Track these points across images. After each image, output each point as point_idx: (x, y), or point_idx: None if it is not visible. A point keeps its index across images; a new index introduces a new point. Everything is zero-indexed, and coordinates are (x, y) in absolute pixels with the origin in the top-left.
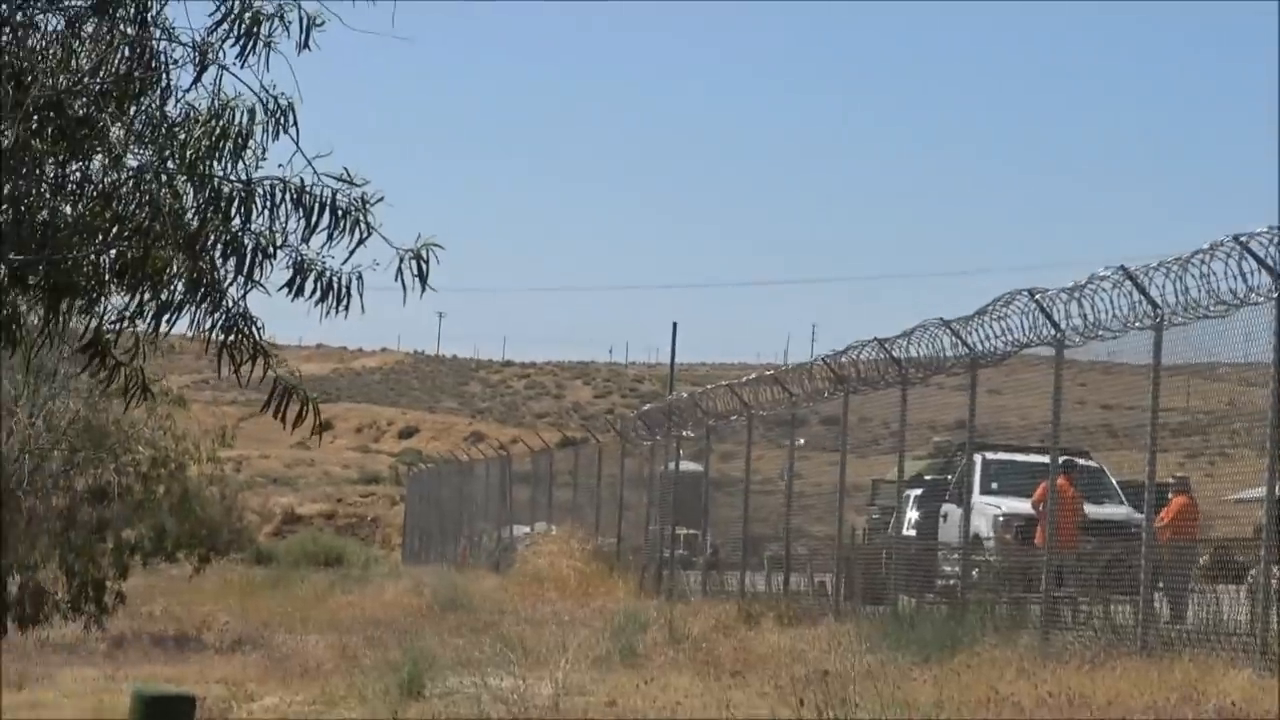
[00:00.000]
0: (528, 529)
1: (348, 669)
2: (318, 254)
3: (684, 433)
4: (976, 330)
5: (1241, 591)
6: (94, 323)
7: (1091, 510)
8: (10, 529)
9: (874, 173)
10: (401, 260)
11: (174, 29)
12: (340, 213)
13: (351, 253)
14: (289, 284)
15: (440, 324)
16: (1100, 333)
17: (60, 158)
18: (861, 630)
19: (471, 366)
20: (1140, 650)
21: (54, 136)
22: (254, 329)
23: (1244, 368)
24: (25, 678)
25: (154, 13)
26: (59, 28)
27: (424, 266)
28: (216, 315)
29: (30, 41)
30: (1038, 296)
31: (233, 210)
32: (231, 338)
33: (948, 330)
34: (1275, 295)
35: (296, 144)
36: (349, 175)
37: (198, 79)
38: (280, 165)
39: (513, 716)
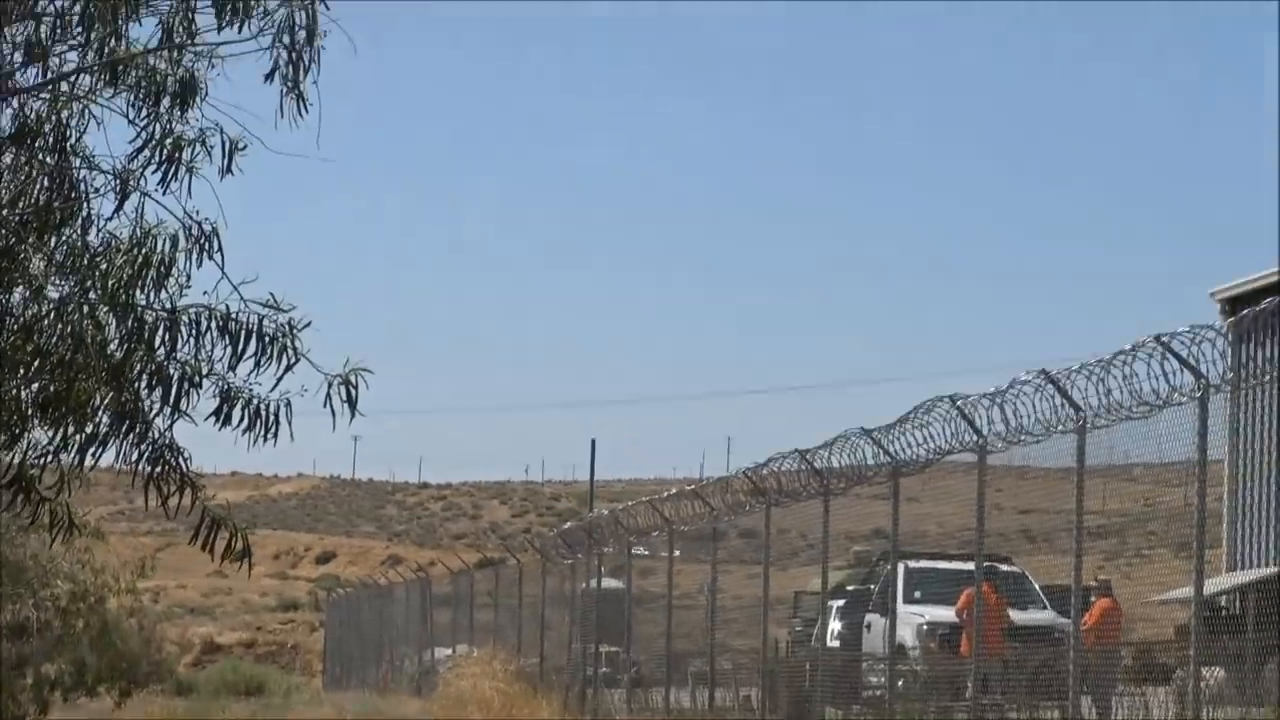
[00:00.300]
0: (449, 651)
1: None
2: (245, 381)
3: (605, 549)
4: (898, 439)
5: (1164, 693)
6: (17, 458)
7: (1017, 616)
8: None
9: (787, 284)
10: (330, 386)
11: (94, 157)
12: (267, 339)
13: (279, 380)
14: (216, 413)
15: (356, 448)
16: (1023, 437)
17: None
18: None
19: (388, 489)
20: None
21: None
22: (181, 460)
23: (1159, 468)
24: None
25: (73, 141)
26: None
27: (353, 392)
28: (143, 447)
29: None
30: (959, 403)
31: (157, 340)
32: (159, 469)
33: (869, 439)
34: (1198, 395)
35: (221, 270)
36: (275, 300)
37: (119, 207)
38: (205, 292)
39: None
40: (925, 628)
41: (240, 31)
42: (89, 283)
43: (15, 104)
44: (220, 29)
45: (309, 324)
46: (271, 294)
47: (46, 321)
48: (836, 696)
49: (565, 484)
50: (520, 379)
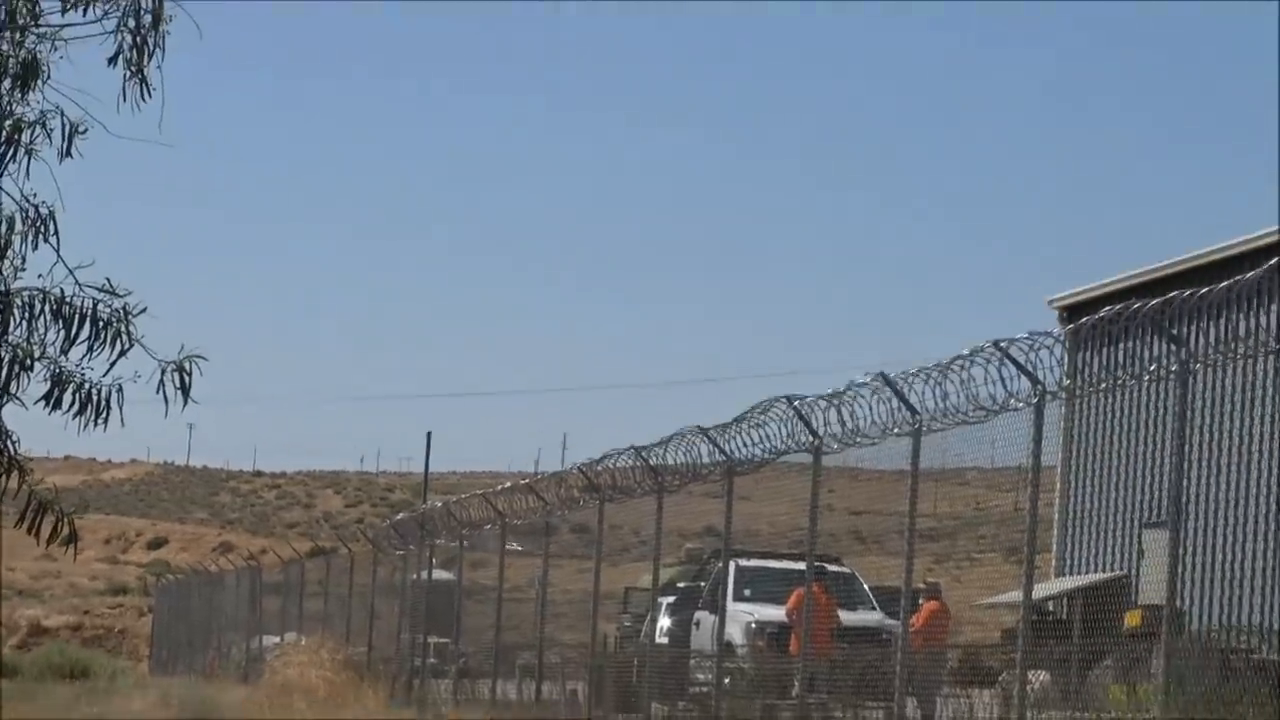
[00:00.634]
0: (277, 639)
1: None
2: (77, 366)
3: (437, 541)
4: (735, 438)
5: (989, 695)
6: None
7: (846, 616)
8: None
9: (627, 282)
10: (164, 372)
11: None
12: (101, 324)
13: (112, 365)
14: (46, 396)
15: (191, 435)
16: (858, 439)
17: None
18: None
19: (222, 477)
20: None
21: None
22: (9, 442)
23: (992, 473)
24: None
25: None
26: None
27: (186, 379)
28: None
29: None
30: (796, 404)
31: None
32: None
33: (705, 438)
34: (1035, 401)
35: (57, 253)
36: (111, 285)
37: None
38: (40, 275)
39: None
40: (754, 626)
41: (85, 14)
42: None
43: None
44: (65, 11)
45: (144, 309)
46: (108, 279)
47: None
48: (664, 692)
49: (400, 475)
50: (357, 370)
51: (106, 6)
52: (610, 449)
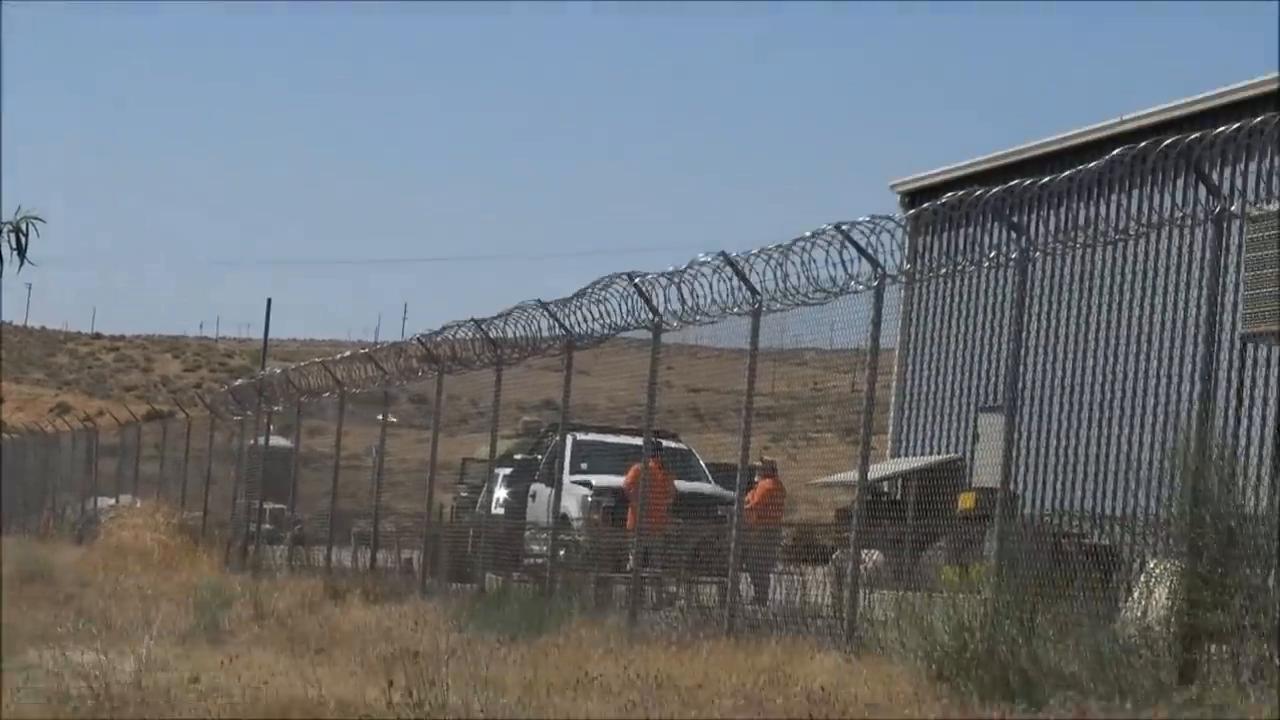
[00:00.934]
0: (112, 501)
1: None
2: None
3: (275, 408)
4: (575, 312)
5: (821, 573)
6: None
7: (682, 485)
8: None
9: (471, 154)
10: (0, 233)
11: None
12: None
13: None
14: None
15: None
16: (699, 317)
17: None
18: (448, 608)
19: (60, 338)
20: (727, 633)
21: None
22: None
23: (830, 354)
24: None
25: None
26: None
27: (23, 240)
28: None
29: None
30: (637, 280)
31: None
32: None
33: (545, 312)
34: (875, 284)
35: None
36: None
37: None
38: None
39: (94, 693)
40: (590, 499)
41: None
42: None
43: None
44: None
45: None
46: None
47: None
48: (499, 563)
49: (239, 341)
50: (199, 235)
51: None
52: (450, 320)
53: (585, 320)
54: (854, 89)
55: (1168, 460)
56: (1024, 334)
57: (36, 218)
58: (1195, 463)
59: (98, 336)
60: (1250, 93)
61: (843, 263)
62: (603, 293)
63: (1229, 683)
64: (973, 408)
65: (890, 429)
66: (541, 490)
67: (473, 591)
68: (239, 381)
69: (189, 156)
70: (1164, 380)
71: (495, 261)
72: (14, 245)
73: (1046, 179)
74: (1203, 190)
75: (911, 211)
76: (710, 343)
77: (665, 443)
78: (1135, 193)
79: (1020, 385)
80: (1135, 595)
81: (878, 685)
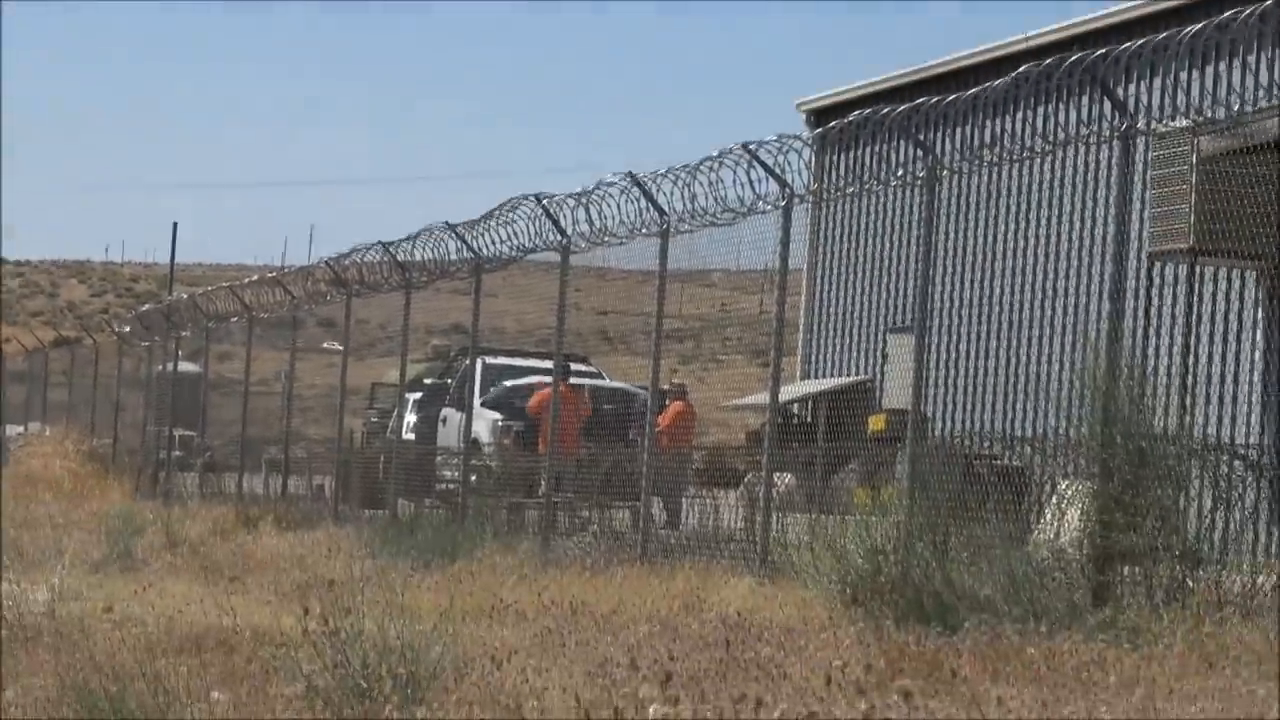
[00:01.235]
0: (21, 429)
1: None
2: None
3: (183, 334)
4: (483, 235)
5: (733, 496)
6: None
7: (598, 384)
8: None
9: (376, 74)
10: None
11: None
12: None
13: None
14: None
15: None
16: (607, 239)
17: None
18: (361, 535)
19: None
20: (641, 558)
21: None
22: None
23: (738, 275)
24: None
25: None
26: None
27: None
28: None
29: None
30: (544, 202)
31: None
32: None
33: (453, 234)
34: (783, 204)
35: None
36: None
37: None
38: None
39: (7, 623)
40: (500, 424)
41: None
42: None
43: None
44: None
45: None
46: None
47: None
48: (410, 489)
49: (145, 266)
50: (102, 158)
51: None
52: (358, 244)
53: (493, 243)
54: (758, 8)
55: (1078, 380)
56: (933, 254)
57: None
58: (1105, 383)
59: (1, 261)
60: (1156, 7)
61: (750, 183)
62: (510, 214)
63: (1142, 604)
64: (882, 328)
65: (800, 350)
66: (452, 415)
67: (385, 518)
68: (146, 307)
69: (91, 79)
70: (1073, 300)
71: (402, 185)
72: None
73: (953, 97)
74: (1109, 107)
75: (818, 130)
76: (619, 264)
77: (576, 365)
78: (1042, 110)
79: (929, 306)
80: (1048, 517)
81: (792, 609)
